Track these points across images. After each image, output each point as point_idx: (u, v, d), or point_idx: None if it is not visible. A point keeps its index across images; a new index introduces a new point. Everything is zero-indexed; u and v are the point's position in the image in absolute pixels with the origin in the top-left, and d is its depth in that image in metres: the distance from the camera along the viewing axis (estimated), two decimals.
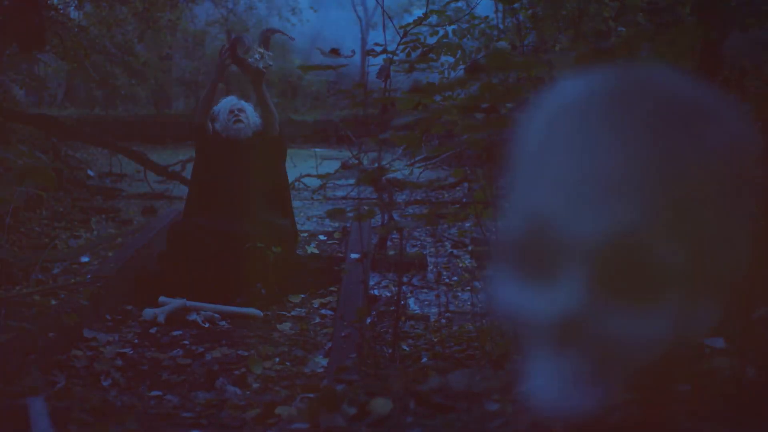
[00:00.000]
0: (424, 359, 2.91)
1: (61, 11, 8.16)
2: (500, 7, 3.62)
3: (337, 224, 6.16)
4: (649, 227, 0.70)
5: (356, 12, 16.77)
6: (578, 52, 1.68)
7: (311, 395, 2.50)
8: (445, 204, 7.06)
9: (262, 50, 4.60)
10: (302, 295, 4.45)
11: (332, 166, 8.10)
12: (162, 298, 4.05)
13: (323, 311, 4.24)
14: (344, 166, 8.20)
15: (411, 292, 4.50)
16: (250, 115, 4.75)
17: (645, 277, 0.71)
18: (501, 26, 4.98)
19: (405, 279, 4.10)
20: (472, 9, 5.05)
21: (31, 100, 12.50)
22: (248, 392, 3.03)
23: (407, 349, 3.15)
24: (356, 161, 3.10)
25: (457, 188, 8.00)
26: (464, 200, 7.08)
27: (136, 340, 3.70)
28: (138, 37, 10.15)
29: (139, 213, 6.99)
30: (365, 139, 2.89)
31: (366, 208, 2.61)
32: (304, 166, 8.58)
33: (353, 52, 2.97)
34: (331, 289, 4.54)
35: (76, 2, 8.20)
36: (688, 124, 0.73)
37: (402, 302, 3.34)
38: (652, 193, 0.70)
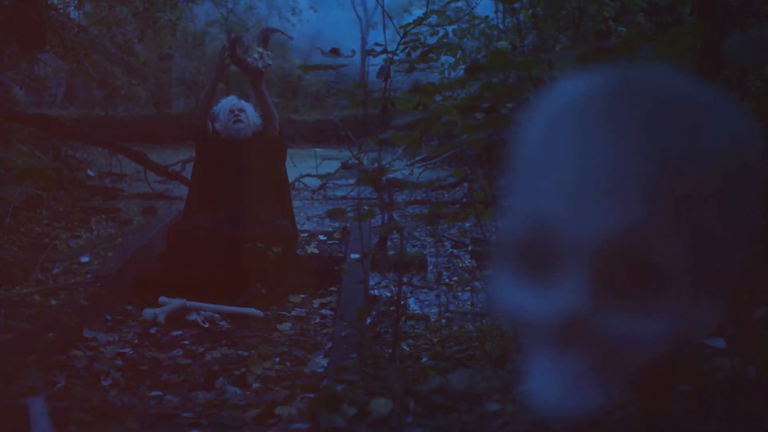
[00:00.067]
0: (424, 359, 2.91)
1: (61, 11, 8.16)
2: (500, 7, 3.62)
3: (337, 224, 6.16)
4: (650, 227, 0.70)
5: (356, 12, 16.76)
6: (578, 52, 1.68)
7: (311, 395, 2.50)
8: (445, 204, 7.06)
9: (261, 50, 4.60)
10: (302, 295, 4.46)
11: (332, 166, 8.09)
12: (162, 298, 4.05)
13: (323, 311, 4.24)
14: (344, 166, 8.20)
15: (411, 292, 4.50)
16: (251, 115, 4.75)
17: (645, 277, 0.71)
18: (501, 26, 4.98)
19: (405, 279, 4.10)
20: (472, 9, 5.05)
21: (31, 100, 12.50)
22: (248, 392, 3.03)
23: (407, 349, 3.15)
24: (356, 161, 3.10)
25: (457, 188, 8.00)
26: (464, 200, 7.08)
27: (136, 340, 3.70)
28: (138, 37, 10.15)
29: (139, 213, 6.99)
30: (365, 139, 2.89)
31: (366, 208, 2.60)
32: (304, 166, 8.58)
33: (353, 52, 2.97)
34: (331, 289, 4.54)
35: (76, 2, 8.20)
36: (689, 124, 0.73)
37: (402, 302, 3.34)
38: (652, 192, 0.70)
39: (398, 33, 3.30)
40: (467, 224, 5.38)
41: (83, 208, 6.73)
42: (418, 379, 2.00)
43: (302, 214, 6.81)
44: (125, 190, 8.03)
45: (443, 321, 3.76)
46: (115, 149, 8.10)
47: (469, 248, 5.43)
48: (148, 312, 3.94)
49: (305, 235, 5.83)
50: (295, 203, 5.63)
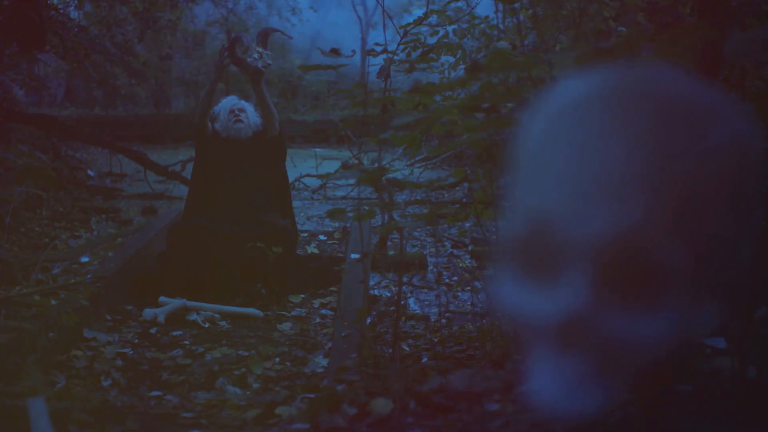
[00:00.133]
0: (425, 359, 2.91)
1: (61, 11, 8.16)
2: (500, 6, 3.62)
3: (337, 224, 6.16)
4: (651, 227, 0.70)
5: (356, 12, 16.77)
6: (578, 52, 1.67)
7: (311, 395, 2.50)
8: (445, 204, 7.06)
9: (260, 49, 4.60)
10: (302, 295, 4.46)
11: (332, 166, 8.07)
12: (162, 298, 4.05)
13: (323, 311, 4.24)
14: (344, 166, 8.19)
15: (411, 292, 4.50)
16: (251, 114, 4.75)
17: (647, 277, 0.71)
18: (501, 26, 4.98)
19: (405, 279, 4.10)
20: (472, 9, 5.05)
21: (31, 100, 12.49)
22: (248, 392, 3.03)
23: (407, 349, 3.15)
24: (356, 161, 3.10)
25: (457, 188, 7.99)
26: (464, 200, 7.07)
27: (136, 340, 3.70)
28: (138, 37, 10.15)
29: (139, 213, 6.98)
30: (365, 139, 2.89)
31: (366, 208, 2.60)
32: (304, 166, 8.58)
33: (353, 52, 2.97)
34: (331, 289, 4.54)
35: (76, 2, 8.20)
36: (690, 124, 0.73)
37: (402, 302, 3.34)
38: (653, 192, 0.70)
39: (398, 33, 3.30)
40: (467, 224, 5.37)
41: (83, 208, 6.73)
42: (418, 379, 2.00)
43: (302, 214, 6.81)
44: (125, 190, 8.03)
45: (443, 321, 3.76)
46: (115, 149, 8.10)
47: (469, 248, 5.42)
48: (148, 312, 3.94)
49: (305, 235, 5.83)
50: (295, 203, 5.63)
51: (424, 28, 3.84)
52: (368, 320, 3.37)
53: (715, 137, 0.73)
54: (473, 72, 2.09)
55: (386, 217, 2.69)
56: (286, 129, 5.03)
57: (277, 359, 3.42)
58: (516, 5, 3.04)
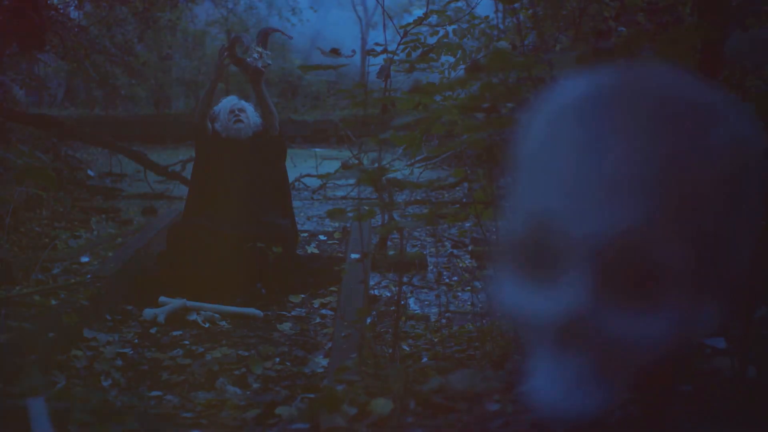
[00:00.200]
0: (425, 359, 2.91)
1: (61, 11, 8.16)
2: (500, 6, 3.62)
3: (337, 224, 6.16)
4: (651, 227, 0.70)
5: (356, 12, 16.77)
6: (579, 52, 1.67)
7: (312, 395, 2.51)
8: (445, 204, 7.06)
9: (260, 49, 4.60)
10: (302, 295, 4.45)
11: (332, 166, 8.08)
12: (162, 298, 4.05)
13: (323, 311, 4.24)
14: (344, 166, 8.19)
15: (411, 292, 4.50)
16: (251, 114, 4.75)
17: (648, 277, 0.71)
18: (501, 26, 4.98)
19: (405, 279, 4.10)
20: (472, 9, 5.05)
21: (31, 100, 12.49)
22: (248, 392, 3.03)
23: (407, 349, 3.15)
24: (356, 161, 3.10)
25: (457, 188, 8.00)
26: (464, 200, 7.07)
27: (136, 340, 3.70)
28: (138, 37, 10.14)
29: (139, 213, 6.98)
30: (365, 139, 2.89)
31: (366, 208, 2.60)
32: (304, 166, 8.58)
33: (353, 52, 2.97)
34: (331, 289, 4.53)
35: (76, 2, 8.20)
36: (691, 124, 0.73)
37: (402, 302, 3.34)
38: (653, 192, 0.70)
39: (398, 33, 3.30)
40: (467, 224, 5.37)
41: (83, 208, 6.73)
42: (419, 379, 2.00)
43: (302, 214, 6.81)
44: (125, 190, 8.03)
45: (443, 321, 3.76)
46: (115, 149, 8.10)
47: (469, 248, 5.43)
48: (148, 312, 3.94)
49: (305, 235, 5.83)
50: (295, 203, 5.63)
51: (424, 28, 3.84)
52: (368, 320, 3.37)
53: (715, 137, 0.73)
54: (473, 72, 2.09)
55: (386, 217, 2.69)
56: (286, 129, 5.03)
57: (277, 359, 3.42)
58: (516, 5, 3.04)
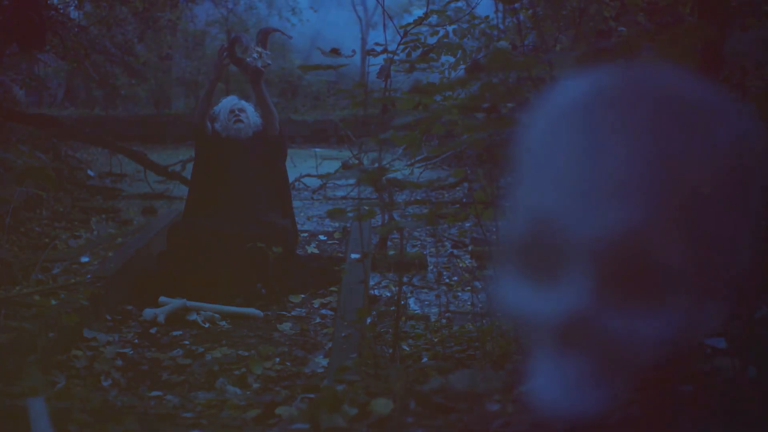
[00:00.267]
0: (425, 359, 2.91)
1: (61, 11, 8.16)
2: (500, 6, 3.62)
3: (337, 224, 6.16)
4: (652, 227, 0.70)
5: (356, 12, 16.77)
6: (579, 52, 1.67)
7: (312, 395, 2.50)
8: (445, 204, 7.06)
9: (260, 49, 4.60)
10: (302, 295, 4.45)
11: (332, 166, 8.08)
12: (162, 298, 4.05)
13: (323, 311, 4.24)
14: (344, 166, 8.19)
15: (411, 292, 4.50)
16: (251, 114, 4.75)
17: (649, 277, 0.71)
18: (501, 26, 4.98)
19: (405, 279, 4.10)
20: (473, 9, 5.05)
21: (31, 100, 12.49)
22: (248, 392, 3.03)
23: (408, 349, 3.15)
24: (356, 161, 3.10)
25: (457, 188, 7.99)
26: (464, 200, 7.07)
27: (136, 340, 3.70)
28: (138, 37, 10.15)
29: (139, 213, 6.98)
30: (365, 139, 2.89)
31: (366, 208, 2.60)
32: (304, 166, 8.58)
33: (353, 52, 2.97)
34: (331, 289, 4.53)
35: (76, 2, 8.20)
36: (692, 123, 0.73)
37: (402, 302, 3.33)
38: (654, 192, 0.70)
39: (398, 33, 3.30)
40: (467, 224, 5.38)
41: (83, 208, 6.72)
42: (419, 379, 2.00)
43: (302, 214, 6.81)
44: (125, 190, 8.03)
45: (443, 321, 3.76)
46: (115, 149, 8.10)
47: (469, 248, 5.43)
48: (148, 312, 3.94)
49: (305, 235, 5.83)
50: (295, 203, 5.63)
51: (424, 28, 3.84)
52: (368, 320, 3.37)
53: (716, 137, 0.73)
54: (473, 72, 2.09)
55: (386, 217, 2.69)
56: (286, 129, 5.03)
57: (277, 359, 3.42)
58: (516, 5, 3.04)
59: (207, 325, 3.93)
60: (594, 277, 0.72)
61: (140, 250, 4.77)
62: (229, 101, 4.80)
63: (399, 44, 3.20)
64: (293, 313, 4.20)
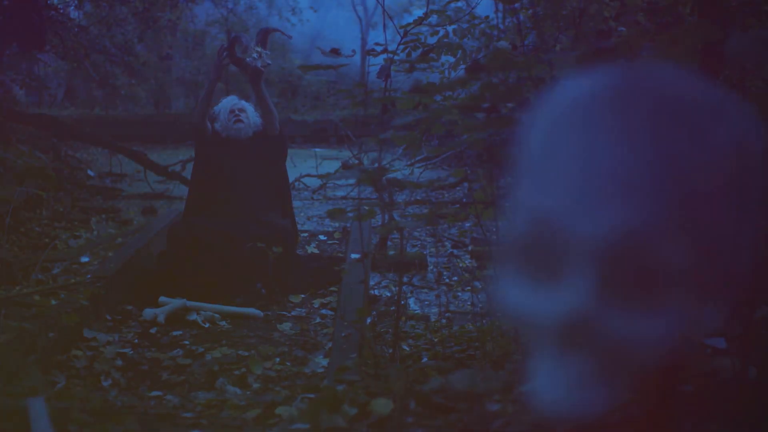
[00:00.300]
0: (425, 359, 2.91)
1: (61, 11, 8.16)
2: (500, 7, 3.62)
3: (337, 224, 6.16)
4: (655, 226, 0.70)
5: (356, 12, 16.77)
6: (579, 52, 1.67)
7: (312, 395, 2.50)
8: (445, 204, 7.06)
9: (260, 49, 4.59)
10: (302, 295, 4.45)
11: (332, 166, 8.08)
12: (162, 298, 4.05)
13: (323, 311, 4.24)
14: (344, 166, 8.20)
15: (411, 292, 4.50)
16: (251, 114, 4.75)
17: (648, 277, 0.71)
18: (501, 26, 4.98)
19: (405, 279, 4.10)
20: (473, 9, 5.05)
21: (31, 100, 12.50)
22: (248, 392, 3.03)
23: (408, 349, 3.15)
24: (356, 161, 3.10)
25: (457, 188, 8.00)
26: (464, 200, 7.07)
27: (136, 340, 3.69)
28: (138, 37, 10.15)
29: (139, 213, 6.98)
30: (365, 139, 2.89)
31: (366, 208, 2.60)
32: (304, 166, 8.58)
33: (353, 52, 2.97)
34: (332, 289, 4.53)
35: (76, 2, 8.20)
36: (693, 123, 0.73)
37: (402, 302, 3.34)
38: (655, 192, 0.70)
39: (398, 33, 3.30)
40: (467, 224, 5.38)
41: (83, 208, 6.72)
42: (419, 379, 2.00)
43: (302, 214, 6.81)
44: (125, 190, 8.03)
45: (443, 321, 3.76)
46: (115, 149, 8.11)
47: (469, 248, 5.43)
48: (148, 312, 3.94)
49: (305, 235, 5.83)
50: (295, 203, 5.63)
51: (424, 28, 3.84)
52: (368, 320, 3.37)
53: (717, 137, 0.73)
54: (473, 72, 2.09)
55: (386, 217, 2.69)
56: (286, 129, 5.03)
57: (277, 359, 3.41)
58: (516, 5, 3.05)
59: (207, 325, 3.93)
60: (594, 277, 0.72)
61: (140, 250, 4.77)
62: (229, 101, 4.80)
63: (399, 44, 3.19)
64: (293, 313, 4.20)
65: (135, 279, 4.41)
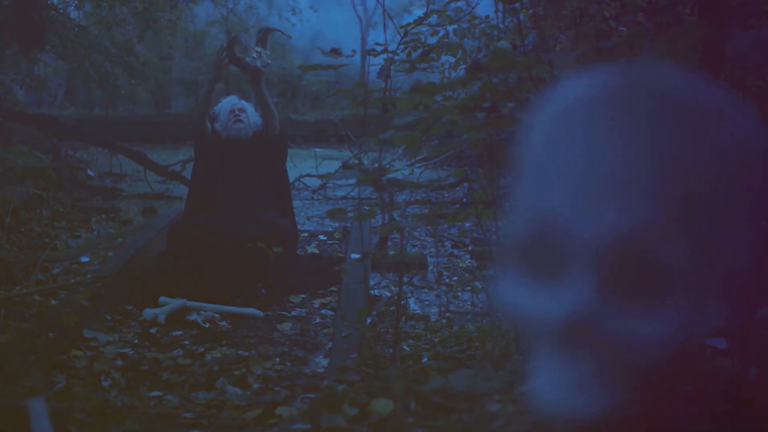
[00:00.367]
0: (425, 359, 2.91)
1: (61, 11, 8.17)
2: (500, 6, 3.62)
3: (337, 224, 6.16)
4: (656, 226, 0.70)
5: (356, 12, 16.77)
6: (579, 52, 1.67)
7: (312, 395, 2.50)
8: (445, 204, 7.06)
9: (259, 49, 4.59)
10: (302, 295, 4.45)
11: (332, 166, 8.09)
12: (162, 298, 4.05)
13: (323, 311, 4.24)
14: (344, 166, 8.20)
15: (411, 292, 4.50)
16: (251, 114, 4.75)
17: (652, 277, 0.71)
18: (501, 26, 4.98)
19: (405, 279, 4.10)
20: (473, 9, 5.05)
21: (31, 100, 12.50)
22: (249, 392, 3.03)
23: (408, 349, 3.15)
24: (356, 161, 3.10)
25: (457, 188, 8.00)
26: (464, 200, 7.08)
27: (136, 340, 3.69)
28: (138, 37, 10.15)
29: (139, 213, 6.98)
30: (365, 139, 2.89)
31: (366, 208, 2.60)
32: (304, 166, 8.58)
33: (354, 51, 2.97)
34: (332, 289, 4.53)
35: (76, 2, 8.21)
36: (694, 123, 0.72)
37: (402, 302, 3.33)
38: (656, 192, 0.70)
39: (398, 33, 3.30)
40: (467, 224, 5.38)
41: (83, 208, 6.72)
42: (419, 379, 1.99)
43: (302, 214, 6.81)
44: (125, 190, 8.03)
45: (443, 321, 3.76)
46: (115, 149, 8.11)
47: (469, 248, 5.43)
48: (148, 312, 3.94)
49: (305, 235, 5.83)
50: (295, 203, 5.63)
51: (424, 28, 3.84)
52: (368, 320, 3.37)
53: (718, 137, 0.73)
54: (474, 72, 2.09)
55: (386, 217, 2.69)
56: (286, 129, 5.03)
57: (277, 359, 3.41)
58: (516, 5, 3.04)
59: (207, 325, 3.92)
60: (594, 277, 0.72)
61: (140, 250, 4.77)
62: (230, 101, 4.80)
63: (399, 44, 3.20)
64: (293, 313, 4.20)
65: (135, 279, 4.41)
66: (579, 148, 0.73)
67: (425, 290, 4.56)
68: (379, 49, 2.88)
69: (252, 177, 4.64)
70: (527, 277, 0.77)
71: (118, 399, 2.85)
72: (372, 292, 4.36)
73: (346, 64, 2.80)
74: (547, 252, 0.74)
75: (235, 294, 4.26)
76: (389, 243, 5.06)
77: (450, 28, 4.82)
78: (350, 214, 2.57)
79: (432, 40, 4.37)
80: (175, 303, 4.00)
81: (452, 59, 4.79)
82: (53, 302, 3.71)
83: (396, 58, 2.94)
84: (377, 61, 2.88)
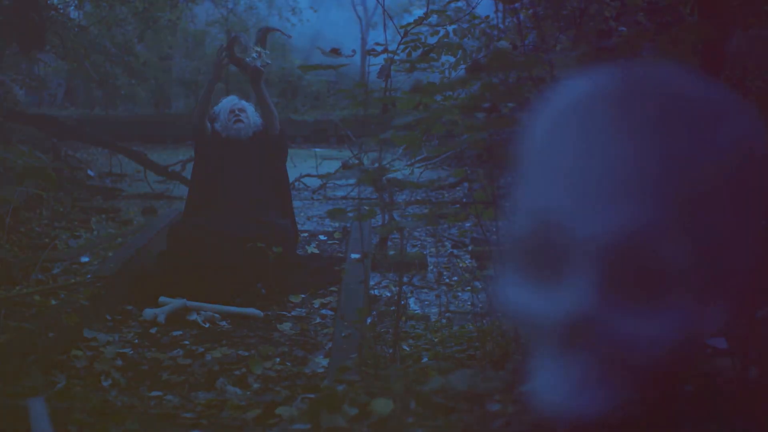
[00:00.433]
0: (425, 359, 2.91)
1: (61, 11, 8.17)
2: (500, 6, 3.61)
3: (337, 224, 6.16)
4: (654, 226, 0.70)
5: (356, 12, 16.77)
6: (579, 52, 1.67)
7: (312, 395, 2.50)
8: (445, 204, 7.06)
9: (259, 49, 4.59)
10: (302, 295, 4.45)
11: (332, 166, 8.10)
12: (162, 298, 4.05)
13: (323, 311, 4.24)
14: (344, 166, 8.20)
15: (411, 292, 4.50)
16: (251, 114, 4.75)
17: (650, 277, 0.71)
18: (501, 26, 4.98)
19: (405, 279, 4.10)
20: (473, 9, 5.05)
21: (31, 100, 12.50)
22: (249, 392, 3.03)
23: (408, 349, 3.15)
24: (356, 161, 3.10)
25: (457, 188, 8.00)
26: (464, 200, 7.08)
27: (136, 340, 3.69)
28: (138, 37, 10.15)
29: (139, 213, 6.98)
30: (365, 139, 2.89)
31: (366, 208, 2.60)
32: (304, 166, 8.58)
33: (354, 51, 2.97)
34: (332, 289, 4.53)
35: (76, 2, 8.21)
36: (694, 123, 0.72)
37: (402, 302, 3.33)
38: (657, 192, 0.70)
39: (398, 33, 3.30)
40: (467, 224, 5.37)
41: (83, 208, 6.72)
42: (419, 379, 1.99)
43: (302, 214, 6.81)
44: (125, 190, 8.03)
45: (443, 321, 3.76)
46: (115, 149, 8.12)
47: (469, 248, 5.42)
48: (148, 312, 3.94)
49: (305, 235, 5.83)
50: (295, 203, 5.63)
51: (424, 28, 3.84)
52: (368, 320, 3.37)
53: (719, 136, 0.73)
54: (474, 72, 2.09)
55: (386, 217, 2.68)
56: (286, 129, 5.03)
57: (278, 359, 3.41)
58: (516, 5, 3.04)
59: (207, 325, 3.92)
60: (595, 278, 0.72)
61: (140, 250, 4.77)
62: (229, 101, 4.80)
63: (399, 44, 3.19)
64: (293, 313, 4.19)
65: (135, 279, 4.41)
66: (579, 148, 0.73)
67: (425, 290, 4.56)
68: (379, 49, 2.88)
69: (252, 177, 4.64)
70: (528, 277, 0.77)
71: (118, 399, 2.84)
72: (372, 292, 4.36)
73: (346, 64, 2.80)
74: (547, 252, 0.74)
75: (235, 294, 4.26)
76: (389, 243, 5.06)
77: (450, 28, 4.82)
78: (350, 214, 2.57)
79: (432, 40, 4.37)
80: (175, 303, 3.99)
81: (452, 59, 4.79)
82: (53, 302, 3.70)
83: (396, 58, 2.94)
84: (377, 61, 2.88)
